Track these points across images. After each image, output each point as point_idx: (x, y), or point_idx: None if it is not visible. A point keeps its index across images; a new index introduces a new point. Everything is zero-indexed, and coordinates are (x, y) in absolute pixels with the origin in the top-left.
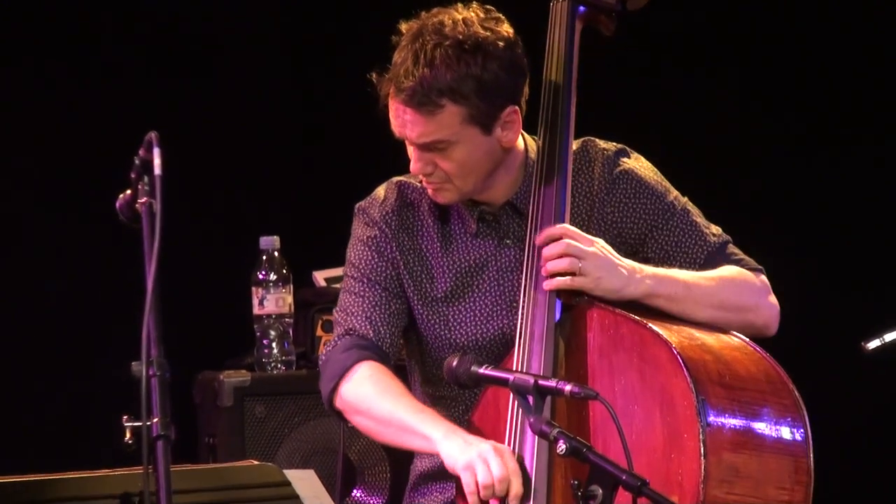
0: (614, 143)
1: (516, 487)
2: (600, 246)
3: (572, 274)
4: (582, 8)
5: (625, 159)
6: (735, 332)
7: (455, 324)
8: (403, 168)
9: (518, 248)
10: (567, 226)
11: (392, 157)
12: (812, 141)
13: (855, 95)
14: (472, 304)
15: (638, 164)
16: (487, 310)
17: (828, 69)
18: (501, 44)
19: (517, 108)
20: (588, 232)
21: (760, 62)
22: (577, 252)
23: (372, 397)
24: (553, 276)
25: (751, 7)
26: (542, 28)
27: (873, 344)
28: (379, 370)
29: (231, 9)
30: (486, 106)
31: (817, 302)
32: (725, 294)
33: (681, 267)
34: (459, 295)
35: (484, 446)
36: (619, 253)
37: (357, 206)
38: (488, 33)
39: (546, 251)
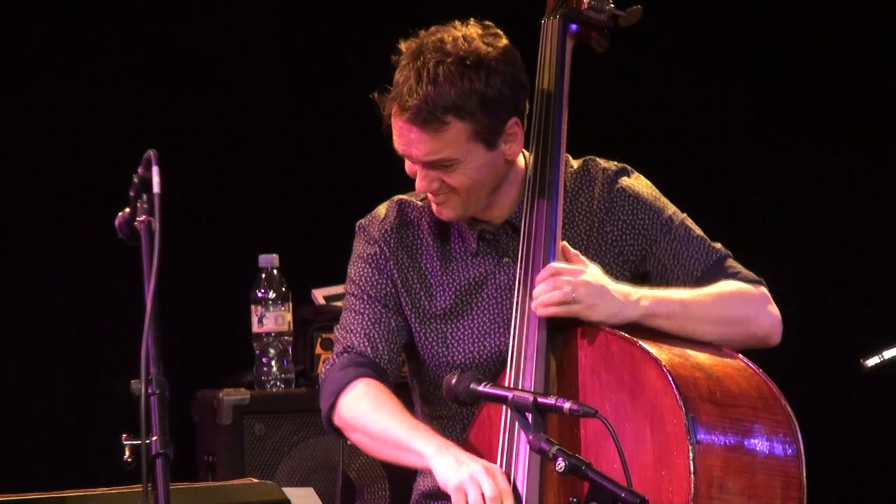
0: (615, 163)
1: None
2: (591, 272)
3: (565, 304)
4: (574, 26)
5: (624, 178)
6: (726, 350)
7: (453, 342)
8: (402, 186)
9: (517, 266)
10: (554, 264)
11: (391, 176)
12: (814, 154)
13: (856, 105)
14: (469, 322)
15: (637, 182)
16: (485, 328)
17: (829, 79)
18: (503, 58)
19: (519, 119)
20: (588, 251)
21: (761, 73)
22: (567, 285)
23: (367, 414)
24: (545, 307)
25: (750, 14)
26: (534, 45)
27: (872, 361)
28: (375, 387)
29: (230, 27)
30: (491, 121)
31: (816, 318)
32: (723, 309)
33: (678, 282)
34: (458, 313)
35: (475, 466)
36: (620, 272)
37: (358, 223)
38: (489, 48)
39: (536, 290)
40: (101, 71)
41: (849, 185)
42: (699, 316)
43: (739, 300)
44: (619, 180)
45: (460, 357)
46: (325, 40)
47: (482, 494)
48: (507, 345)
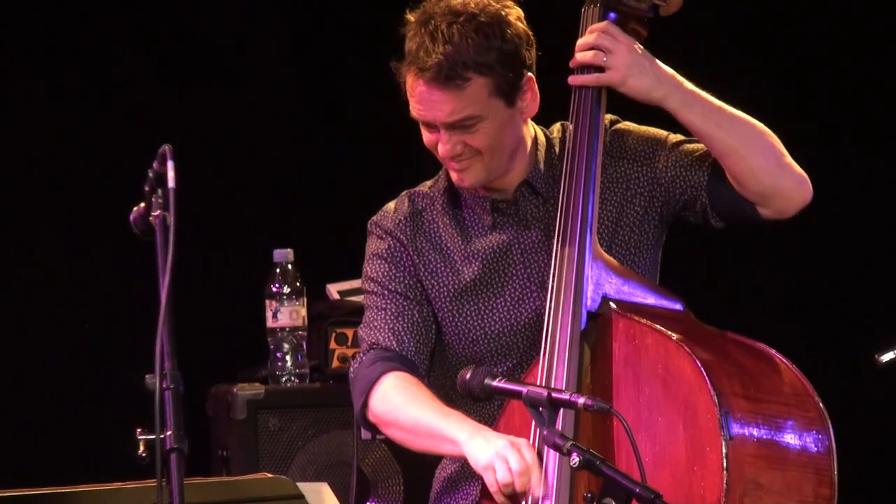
0: (610, 115)
1: (537, 476)
2: (636, 45)
3: (599, 70)
4: (613, 14)
5: (616, 124)
6: (760, 344)
7: (488, 311)
8: (417, 180)
9: (538, 228)
10: (609, 23)
11: (405, 170)
12: (821, 149)
13: (862, 98)
14: (502, 290)
15: (629, 124)
16: (518, 293)
17: (833, 70)
18: (513, 14)
19: (532, 75)
20: (603, 206)
21: (767, 72)
22: (607, 44)
23: (399, 407)
24: (578, 68)
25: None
26: (574, 32)
27: (887, 356)
28: (404, 379)
29: (245, 21)
30: (510, 75)
31: (831, 314)
32: (758, 130)
33: (689, 189)
34: (488, 282)
35: (500, 443)
36: (639, 201)
37: (370, 221)
38: (498, 6)
39: (579, 41)
40: (116, 66)
41: (859, 179)
42: (733, 123)
43: (773, 137)
44: (614, 127)
45: (498, 326)
46: (338, 35)
47: (510, 470)
48: (543, 308)
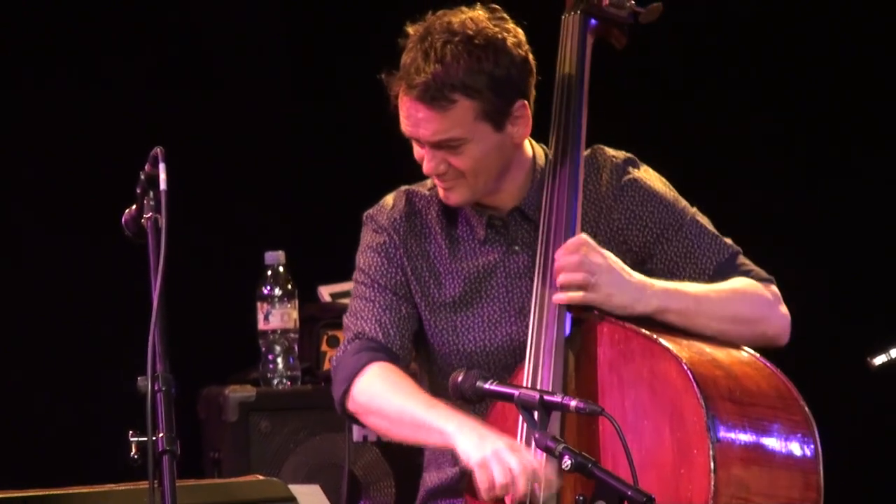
0: (624, 152)
1: (539, 477)
2: (612, 260)
3: (585, 288)
4: (594, 21)
5: (633, 168)
6: (745, 348)
7: (463, 330)
8: (410, 181)
9: (526, 254)
10: (586, 238)
11: (398, 172)
12: (819, 152)
13: (860, 106)
14: (480, 310)
15: (646, 174)
16: (496, 316)
17: (835, 81)
18: (511, 40)
19: (527, 102)
20: (595, 239)
21: (768, 74)
22: (590, 267)
23: (383, 396)
24: (565, 288)
25: (760, 16)
26: (554, 40)
27: (880, 359)
28: (389, 369)
29: (236, 23)
30: (499, 101)
31: (823, 317)
32: (736, 307)
33: (690, 277)
34: (468, 301)
35: (499, 443)
36: (625, 262)
37: (365, 214)
38: (497, 29)
39: (561, 262)
40: (108, 68)
41: (854, 183)
42: (711, 313)
43: (752, 299)
44: (629, 170)
45: (471, 346)
46: (330, 36)
47: (509, 469)
48: (518, 333)
